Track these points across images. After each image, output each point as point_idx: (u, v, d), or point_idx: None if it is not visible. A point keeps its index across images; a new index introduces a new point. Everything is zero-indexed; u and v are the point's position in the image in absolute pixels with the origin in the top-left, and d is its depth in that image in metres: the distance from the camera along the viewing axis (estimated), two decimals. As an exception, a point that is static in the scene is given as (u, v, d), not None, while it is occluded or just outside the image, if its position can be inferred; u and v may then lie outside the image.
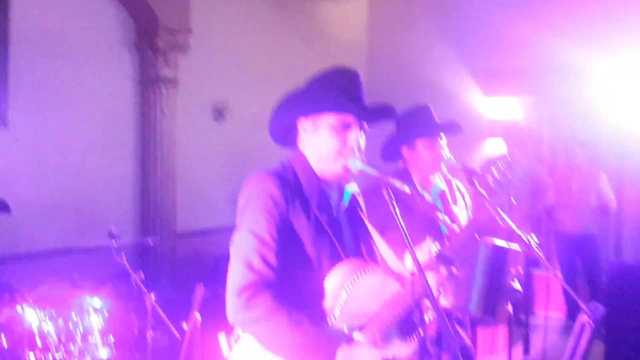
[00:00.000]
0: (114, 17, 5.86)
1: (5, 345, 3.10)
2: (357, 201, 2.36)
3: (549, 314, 6.93)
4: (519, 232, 3.08)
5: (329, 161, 2.16)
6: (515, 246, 3.09)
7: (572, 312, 6.57)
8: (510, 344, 3.81)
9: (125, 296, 4.11)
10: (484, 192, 2.24)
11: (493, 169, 2.26)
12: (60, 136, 5.41)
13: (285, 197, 2.09)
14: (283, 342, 1.99)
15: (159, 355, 4.11)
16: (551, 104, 7.71)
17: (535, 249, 3.15)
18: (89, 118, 5.63)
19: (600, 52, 6.89)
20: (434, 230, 3.20)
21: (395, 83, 7.97)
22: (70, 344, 3.30)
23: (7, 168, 5.03)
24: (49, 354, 3.22)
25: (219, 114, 6.80)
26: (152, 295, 3.95)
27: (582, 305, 3.22)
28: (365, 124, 2.19)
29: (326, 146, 2.15)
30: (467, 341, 3.32)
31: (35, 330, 3.19)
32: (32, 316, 3.20)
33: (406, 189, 2.06)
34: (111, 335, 3.55)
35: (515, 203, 3.53)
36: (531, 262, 3.27)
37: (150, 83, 6.01)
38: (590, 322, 3.46)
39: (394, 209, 2.05)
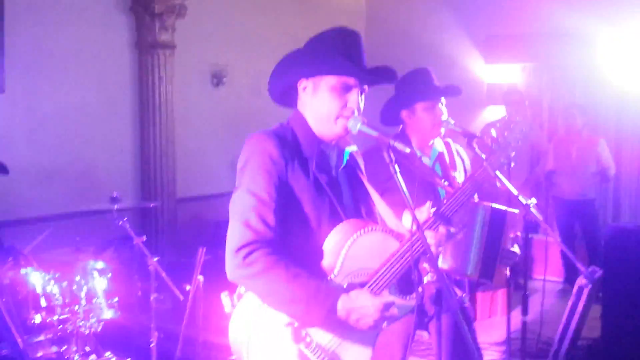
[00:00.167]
0: (109, -20, 5.82)
1: (11, 307, 3.15)
2: (356, 162, 2.38)
3: (547, 277, 7.01)
4: (518, 194, 3.11)
5: (329, 122, 2.18)
6: (514, 210, 3.12)
7: (571, 275, 6.65)
8: (509, 307, 3.87)
9: (128, 259, 4.16)
10: (481, 154, 2.26)
11: (491, 129, 2.27)
12: (57, 101, 5.40)
13: (284, 157, 2.12)
14: (282, 295, 2.02)
15: (163, 317, 4.18)
16: (551, 70, 7.70)
17: (534, 211, 3.18)
18: (86, 83, 5.61)
19: (601, 17, 6.85)
20: (433, 194, 3.23)
21: (394, 49, 7.91)
22: (75, 306, 3.35)
23: (6, 133, 5.03)
24: (54, 315, 3.27)
25: (217, 79, 6.78)
26: (155, 258, 4.01)
27: (580, 268, 3.26)
28: (365, 85, 2.20)
29: (326, 108, 2.16)
30: (467, 302, 3.37)
31: (40, 292, 3.23)
32: (36, 278, 3.25)
33: (406, 149, 2.07)
34: (115, 298, 3.60)
35: (513, 166, 3.57)
36: (530, 226, 3.30)
37: (147, 48, 5.97)
38: (588, 284, 3.52)
39: (394, 169, 2.08)
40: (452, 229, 2.22)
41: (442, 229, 2.20)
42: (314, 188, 2.16)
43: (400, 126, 3.47)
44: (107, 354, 3.38)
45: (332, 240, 2.14)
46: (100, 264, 3.54)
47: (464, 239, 3.11)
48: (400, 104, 3.43)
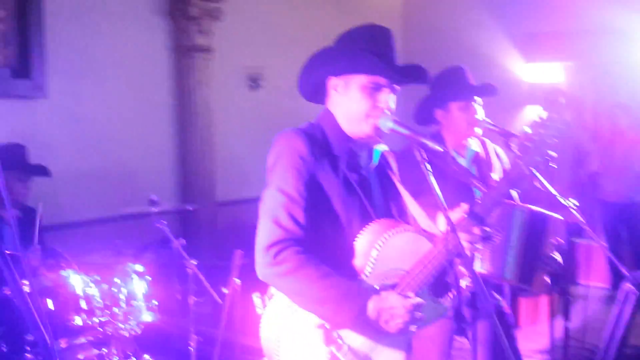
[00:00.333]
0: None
1: (53, 308, 3.20)
2: (387, 161, 2.36)
3: (592, 283, 6.84)
4: (556, 194, 3.04)
5: (358, 121, 2.16)
6: (558, 216, 3.04)
7: (617, 281, 6.47)
8: (552, 314, 3.77)
9: (167, 263, 4.20)
10: (516, 151, 2.21)
11: (526, 127, 2.22)
12: (98, 105, 5.50)
13: (314, 155, 2.10)
14: (312, 295, 2.01)
15: (202, 321, 4.20)
16: (594, 69, 7.51)
17: (575, 213, 3.10)
18: (125, 87, 5.70)
19: (645, 13, 6.68)
20: (468, 194, 3.17)
21: (431, 48, 7.83)
22: (115, 308, 3.39)
23: (48, 138, 5.15)
24: (95, 317, 3.32)
25: (254, 81, 6.81)
26: (194, 262, 4.04)
27: (626, 273, 3.17)
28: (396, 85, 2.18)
29: (356, 107, 2.15)
30: (505, 307, 3.31)
31: (81, 294, 3.28)
32: (76, 281, 3.30)
33: (438, 148, 2.04)
34: (154, 300, 3.63)
35: (555, 167, 3.49)
36: (574, 231, 3.20)
37: (185, 51, 6.05)
38: (634, 290, 3.41)
39: (426, 168, 2.05)
40: (487, 229, 2.17)
41: (476, 230, 2.15)
42: (344, 187, 2.14)
43: (435, 126, 3.42)
44: (146, 356, 3.41)
45: (362, 240, 2.12)
46: (139, 267, 3.58)
47: (501, 242, 3.05)
48: (434, 103, 3.38)
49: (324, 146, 2.16)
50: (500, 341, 2.03)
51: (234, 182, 6.49)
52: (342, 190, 2.13)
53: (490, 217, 2.91)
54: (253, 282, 2.15)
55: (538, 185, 3.15)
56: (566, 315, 3.28)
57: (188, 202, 5.90)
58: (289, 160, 2.08)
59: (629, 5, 6.64)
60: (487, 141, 3.52)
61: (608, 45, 7.04)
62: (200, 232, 6.09)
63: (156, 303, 3.60)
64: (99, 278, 3.40)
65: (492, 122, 3.32)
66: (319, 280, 2.00)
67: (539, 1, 7.52)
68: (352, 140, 2.20)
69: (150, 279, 3.61)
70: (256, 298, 2.20)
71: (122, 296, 3.43)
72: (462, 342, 3.36)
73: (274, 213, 2.06)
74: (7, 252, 3.19)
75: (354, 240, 2.13)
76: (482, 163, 3.41)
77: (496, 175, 3.41)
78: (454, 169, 3.16)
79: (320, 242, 2.10)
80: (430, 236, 2.19)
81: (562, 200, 3.05)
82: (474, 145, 3.41)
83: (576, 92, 7.61)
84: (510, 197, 3.40)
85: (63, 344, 3.20)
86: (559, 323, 3.49)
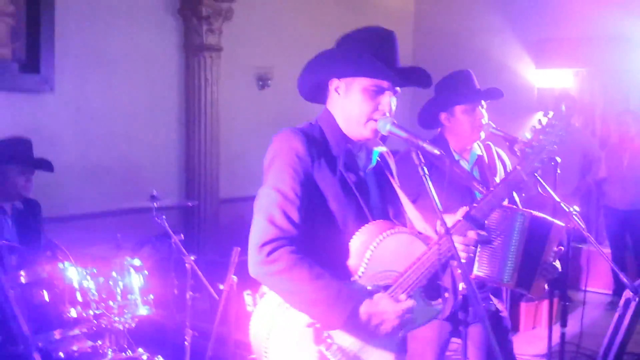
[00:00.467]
0: (157, -18, 5.91)
1: (48, 300, 3.21)
2: (386, 162, 2.34)
3: (595, 289, 6.81)
4: (559, 200, 3.01)
5: (358, 124, 2.15)
6: (560, 223, 3.01)
7: (620, 287, 6.43)
8: (551, 319, 3.76)
9: (166, 257, 4.20)
10: (518, 153, 2.19)
11: (526, 133, 2.20)
12: (105, 101, 5.51)
13: (311, 154, 2.09)
14: (303, 296, 1.99)
15: (199, 316, 4.20)
16: (604, 75, 7.48)
17: (577, 219, 3.07)
18: (134, 84, 5.72)
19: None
20: (470, 198, 3.15)
21: (442, 51, 7.82)
22: (110, 301, 3.39)
23: (54, 132, 5.16)
24: (90, 310, 3.32)
25: (263, 81, 6.81)
26: (192, 257, 4.04)
27: (626, 281, 3.14)
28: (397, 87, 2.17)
29: (358, 110, 2.13)
30: (503, 311, 3.28)
31: (77, 287, 3.29)
32: (73, 273, 3.30)
33: (436, 151, 2.02)
34: (151, 295, 3.63)
35: (559, 172, 3.46)
36: (578, 236, 3.17)
37: (194, 50, 6.06)
38: (635, 297, 3.38)
39: (423, 171, 2.03)
40: (482, 233, 2.15)
41: (471, 233, 2.13)
42: (341, 187, 2.13)
43: (439, 129, 3.40)
44: (140, 350, 3.41)
45: (357, 240, 2.10)
46: (136, 261, 3.58)
47: (500, 246, 3.02)
48: (439, 106, 3.36)
49: (322, 146, 2.15)
50: (492, 344, 2.01)
51: (238, 179, 6.48)
52: (339, 190, 2.12)
53: (489, 221, 2.90)
54: (250, 279, 2.15)
55: (540, 190, 3.13)
56: (563, 321, 3.26)
57: (191, 198, 5.92)
58: (286, 159, 2.07)
59: (639, 14, 6.60)
60: (491, 145, 3.50)
61: (619, 53, 7.00)
62: (202, 228, 6.10)
63: (152, 297, 3.60)
64: (96, 271, 3.40)
65: (496, 127, 3.30)
66: (311, 282, 1.98)
67: (550, 7, 7.49)
68: (350, 141, 2.19)
69: (147, 273, 3.61)
70: (247, 295, 2.19)
71: (118, 289, 3.43)
72: (458, 343, 3.35)
73: (268, 211, 2.05)
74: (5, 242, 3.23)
75: (349, 241, 2.12)
76: (485, 167, 3.39)
77: (499, 178, 3.39)
78: (456, 172, 3.15)
79: (315, 241, 2.09)
80: (425, 238, 2.17)
81: (564, 206, 3.02)
82: (478, 149, 3.39)
83: (586, 98, 7.57)
84: (513, 202, 3.38)
85: (57, 335, 3.21)
86: (558, 328, 3.47)
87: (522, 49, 7.92)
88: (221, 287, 3.69)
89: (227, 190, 6.36)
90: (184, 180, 6.18)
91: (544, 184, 3.06)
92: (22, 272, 3.17)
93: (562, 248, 3.07)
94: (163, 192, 4.24)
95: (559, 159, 3.46)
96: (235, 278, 3.65)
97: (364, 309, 1.99)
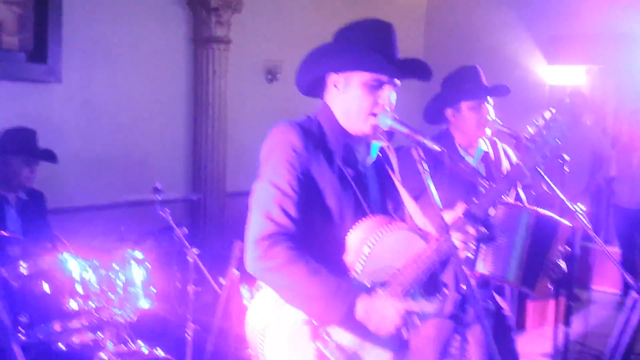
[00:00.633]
0: (166, -26, 5.89)
1: (48, 291, 3.20)
2: (387, 157, 2.31)
3: (604, 289, 6.76)
4: (563, 198, 2.97)
5: (358, 120, 2.12)
6: (566, 223, 2.97)
7: (629, 287, 6.36)
8: (557, 318, 3.72)
9: (169, 251, 4.19)
10: (512, 150, 2.16)
11: (529, 126, 2.16)
12: (112, 93, 5.50)
13: (307, 148, 2.06)
14: (300, 292, 1.96)
15: (202, 310, 4.19)
16: (617, 73, 7.40)
17: (582, 218, 3.02)
18: (141, 75, 5.70)
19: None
20: (475, 195, 3.11)
21: (454, 47, 7.76)
22: (111, 294, 3.37)
23: (60, 122, 5.15)
24: (90, 301, 3.31)
25: (272, 75, 6.78)
26: (195, 250, 4.02)
27: (630, 281, 3.10)
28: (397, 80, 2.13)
29: (357, 105, 2.10)
30: (506, 310, 3.25)
31: (77, 279, 3.27)
32: (73, 265, 3.29)
33: (437, 147, 1.99)
34: (153, 287, 3.62)
35: (567, 171, 3.41)
36: (588, 236, 3.13)
37: (202, 42, 6.02)
38: (640, 298, 3.32)
39: (423, 168, 2.00)
40: (482, 229, 2.11)
41: (470, 230, 2.09)
42: (339, 182, 2.09)
43: (445, 125, 3.37)
44: (140, 343, 3.40)
45: (355, 236, 2.07)
46: (138, 254, 3.56)
47: (505, 243, 2.99)
48: (445, 101, 3.34)
49: (320, 140, 2.12)
50: (494, 342, 1.98)
51: (245, 173, 6.43)
52: (337, 185, 2.09)
53: (494, 218, 2.87)
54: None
55: (546, 188, 3.09)
56: (567, 321, 3.23)
57: (197, 192, 5.90)
58: (282, 154, 2.05)
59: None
60: (497, 141, 3.47)
61: (632, 51, 6.92)
62: (208, 221, 6.08)
63: (154, 290, 3.58)
64: (97, 263, 3.38)
65: (502, 123, 3.27)
66: (309, 277, 1.96)
67: (563, 4, 7.41)
68: (349, 135, 2.16)
69: (149, 266, 3.59)
70: (244, 290, 2.17)
71: (119, 282, 3.42)
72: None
73: (265, 206, 2.03)
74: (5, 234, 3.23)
75: (346, 235, 2.08)
76: (490, 163, 3.37)
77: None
78: (461, 168, 3.12)
79: (313, 237, 2.06)
80: (424, 234, 2.14)
81: (569, 205, 2.98)
82: (484, 145, 3.36)
83: (598, 96, 7.49)
84: (519, 199, 3.34)
85: (57, 327, 3.20)
86: (564, 328, 3.44)
87: (534, 46, 7.84)
88: (222, 281, 3.67)
89: (234, 184, 6.33)
90: (191, 173, 6.16)
91: (549, 181, 3.02)
92: (22, 264, 3.16)
93: (568, 248, 3.03)
94: (169, 185, 4.22)
95: (567, 157, 3.42)
96: (237, 272, 3.63)
97: (362, 304, 1.96)
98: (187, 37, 6.07)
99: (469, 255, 2.60)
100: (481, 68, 3.38)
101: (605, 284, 6.81)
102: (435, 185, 2.03)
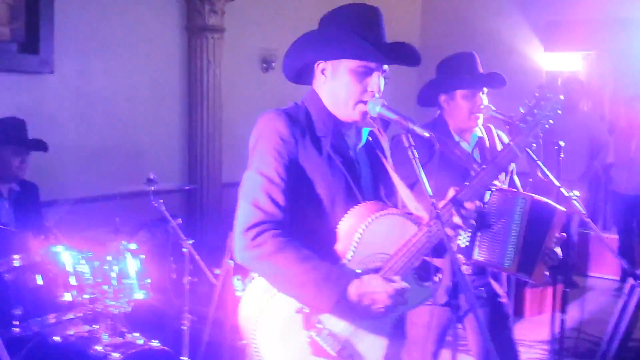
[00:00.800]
0: (160, -38, 5.83)
1: (41, 284, 3.18)
2: (377, 141, 2.28)
3: (603, 275, 6.76)
4: (558, 184, 2.95)
5: (347, 107, 2.09)
6: (561, 208, 2.95)
7: (627, 274, 6.37)
8: (554, 305, 3.71)
9: (164, 242, 4.17)
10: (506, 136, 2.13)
11: (520, 108, 2.14)
12: (106, 83, 5.46)
13: (294, 136, 2.04)
14: (291, 279, 1.94)
15: (197, 301, 4.17)
16: (614, 59, 7.36)
17: (577, 205, 3.00)
18: (135, 65, 5.66)
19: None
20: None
21: (451, 34, 7.72)
22: (105, 285, 3.36)
23: (53, 113, 5.11)
24: (84, 293, 3.29)
25: (267, 64, 6.74)
26: (190, 241, 4.00)
27: (627, 267, 3.09)
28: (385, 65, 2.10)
29: (346, 92, 2.08)
30: (502, 296, 3.23)
31: (71, 271, 3.26)
32: (67, 257, 3.27)
33: (426, 134, 1.96)
34: (148, 279, 3.60)
35: (562, 156, 3.39)
36: (585, 222, 3.12)
37: (196, 31, 5.98)
38: (639, 284, 3.32)
39: (413, 154, 1.98)
40: (469, 211, 2.08)
41: (464, 211, 2.07)
42: (328, 168, 2.07)
43: (438, 110, 3.35)
44: (136, 334, 3.38)
45: (346, 222, 2.05)
46: (133, 245, 3.54)
47: (501, 230, 2.97)
48: (440, 87, 3.30)
49: (307, 127, 2.10)
50: (491, 329, 1.96)
51: (241, 163, 6.39)
52: (327, 171, 2.07)
53: (489, 205, 2.85)
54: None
55: (540, 175, 3.07)
56: (563, 308, 3.22)
57: (194, 182, 5.88)
58: (269, 142, 2.04)
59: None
60: (492, 127, 3.44)
61: (628, 36, 6.90)
62: (204, 212, 6.06)
63: (149, 281, 3.56)
64: (91, 255, 3.36)
65: (496, 109, 3.24)
66: (299, 264, 1.94)
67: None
68: (338, 120, 2.14)
69: (144, 257, 3.57)
70: (236, 280, 2.16)
71: (113, 274, 3.39)
72: (459, 328, 3.30)
73: (253, 195, 2.01)
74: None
75: (338, 223, 2.06)
76: (485, 149, 3.34)
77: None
78: (456, 154, 3.09)
79: (303, 224, 2.04)
80: (416, 219, 2.11)
81: (563, 191, 2.96)
82: (479, 130, 3.33)
83: (595, 82, 7.47)
84: (514, 186, 3.32)
85: (52, 319, 3.18)
86: (561, 315, 3.43)
87: (531, 32, 7.81)
88: (217, 271, 3.65)
89: (230, 174, 6.30)
90: (186, 163, 6.14)
91: (543, 168, 3.00)
92: (15, 256, 3.13)
93: (565, 234, 3.02)
94: (165, 176, 4.20)
95: (562, 143, 3.40)
96: (231, 262, 3.61)
97: (354, 289, 1.94)
98: (181, 26, 6.02)
99: (464, 241, 2.59)
100: (478, 54, 3.35)
101: (603, 271, 6.81)
102: (429, 172, 2.01)
